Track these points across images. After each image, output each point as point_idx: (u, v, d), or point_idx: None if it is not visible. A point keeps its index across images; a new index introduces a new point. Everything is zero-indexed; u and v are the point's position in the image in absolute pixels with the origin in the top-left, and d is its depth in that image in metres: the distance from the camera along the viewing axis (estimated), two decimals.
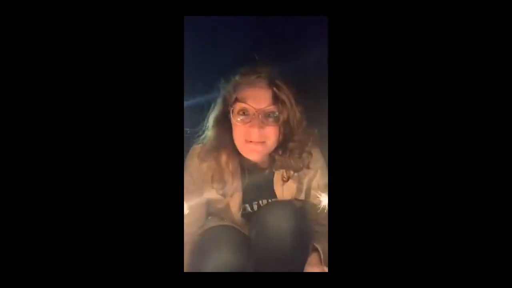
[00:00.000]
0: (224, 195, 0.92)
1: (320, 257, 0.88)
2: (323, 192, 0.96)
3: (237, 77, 0.90)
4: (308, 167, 0.93)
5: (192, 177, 0.91)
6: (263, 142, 0.86)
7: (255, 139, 0.85)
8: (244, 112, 0.85)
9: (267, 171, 0.94)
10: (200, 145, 0.93)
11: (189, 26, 0.72)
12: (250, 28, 1.08)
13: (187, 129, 0.94)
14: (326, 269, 0.84)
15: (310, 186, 0.96)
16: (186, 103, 0.76)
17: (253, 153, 0.88)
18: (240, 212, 0.94)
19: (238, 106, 0.86)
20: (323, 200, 0.89)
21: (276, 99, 0.85)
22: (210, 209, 0.96)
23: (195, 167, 0.92)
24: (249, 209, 0.96)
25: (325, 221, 0.91)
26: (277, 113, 0.85)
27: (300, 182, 0.95)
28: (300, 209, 0.93)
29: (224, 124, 0.89)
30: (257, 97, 0.85)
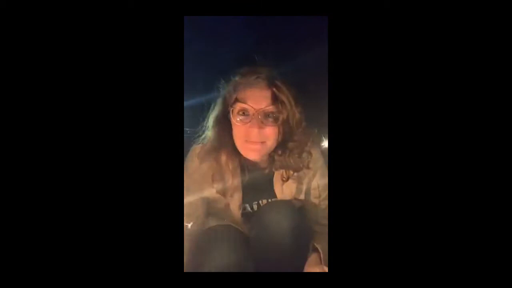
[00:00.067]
0: (224, 195, 0.92)
1: (320, 257, 0.88)
2: (322, 192, 0.96)
3: (237, 78, 0.90)
4: (307, 167, 0.93)
5: (192, 177, 0.91)
6: (262, 142, 0.86)
7: (254, 139, 0.85)
8: (244, 112, 0.86)
9: (267, 171, 0.94)
10: (200, 145, 0.94)
11: (189, 26, 0.72)
12: (250, 28, 1.09)
13: (187, 129, 0.94)
14: (326, 269, 0.84)
15: (309, 186, 0.96)
16: (186, 103, 0.76)
17: (253, 152, 0.88)
18: (240, 212, 0.94)
19: (238, 106, 0.86)
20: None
21: (275, 100, 0.85)
22: (210, 209, 0.96)
23: (195, 167, 0.92)
24: (249, 209, 0.96)
25: (325, 221, 0.92)
26: (276, 113, 0.86)
27: (299, 182, 0.95)
28: (300, 209, 0.93)
29: (224, 124, 0.90)
30: (256, 98, 0.85)
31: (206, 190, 0.93)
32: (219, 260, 0.81)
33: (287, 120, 0.87)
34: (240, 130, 0.87)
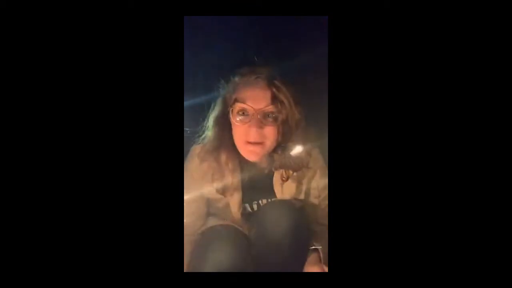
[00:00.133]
0: (224, 195, 0.93)
1: (319, 256, 0.88)
2: (322, 192, 0.96)
3: (236, 78, 0.91)
4: (307, 167, 0.93)
5: (192, 177, 0.92)
6: (262, 143, 0.87)
7: (254, 139, 0.86)
8: (243, 112, 0.86)
9: (266, 171, 0.94)
10: (200, 145, 0.94)
11: (189, 26, 0.72)
12: (250, 28, 1.09)
13: (187, 129, 0.94)
14: (326, 269, 0.84)
15: (309, 186, 0.96)
16: (186, 103, 0.76)
17: (252, 154, 0.88)
18: (240, 212, 0.94)
19: (238, 106, 0.86)
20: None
21: (275, 100, 0.86)
22: (210, 209, 0.96)
23: (196, 166, 0.92)
24: (249, 208, 0.96)
25: (324, 221, 0.92)
26: (276, 113, 0.86)
27: (299, 182, 0.95)
28: (299, 208, 0.93)
29: (224, 124, 0.90)
30: (256, 98, 0.86)
31: (206, 190, 0.93)
32: (219, 260, 0.81)
33: (287, 120, 0.87)
34: (239, 130, 0.87)
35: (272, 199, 0.95)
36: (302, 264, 0.87)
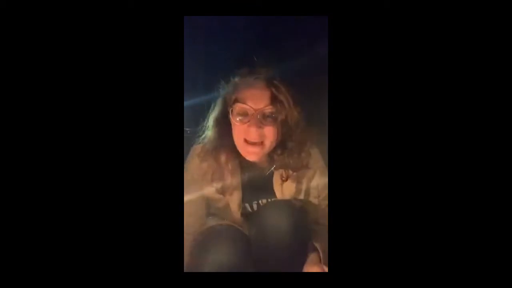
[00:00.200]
0: (224, 194, 0.93)
1: (319, 256, 0.88)
2: (322, 191, 0.96)
3: (236, 78, 0.91)
4: (307, 167, 0.94)
5: (192, 177, 0.92)
6: (261, 143, 0.87)
7: (253, 138, 0.86)
8: (243, 112, 0.86)
9: (266, 171, 0.94)
10: (200, 145, 0.94)
11: (189, 26, 0.72)
12: (250, 28, 1.09)
13: (187, 129, 0.94)
14: (325, 269, 0.84)
15: (309, 185, 0.97)
16: (186, 103, 0.76)
17: (252, 155, 0.89)
18: (240, 212, 0.94)
19: (237, 106, 0.86)
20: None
21: (274, 100, 0.86)
22: (210, 209, 0.96)
23: (196, 166, 0.93)
24: (248, 208, 0.96)
25: (324, 221, 0.92)
26: (275, 113, 0.86)
27: (299, 182, 0.96)
28: (299, 208, 0.93)
29: (224, 124, 0.90)
30: (256, 98, 0.86)
31: (206, 190, 0.93)
32: (219, 260, 0.81)
33: (286, 120, 0.87)
34: (239, 130, 0.87)
35: (272, 199, 0.95)
36: (302, 264, 0.87)
